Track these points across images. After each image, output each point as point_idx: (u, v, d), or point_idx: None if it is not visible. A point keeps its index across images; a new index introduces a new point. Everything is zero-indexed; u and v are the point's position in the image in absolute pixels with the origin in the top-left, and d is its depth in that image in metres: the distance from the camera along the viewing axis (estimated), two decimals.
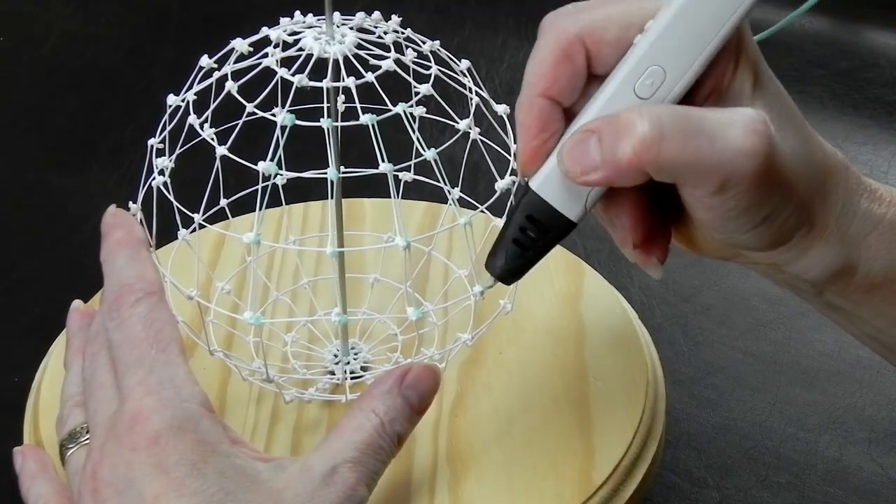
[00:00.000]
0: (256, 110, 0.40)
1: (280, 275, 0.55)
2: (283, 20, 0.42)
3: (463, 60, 0.44)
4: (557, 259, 0.57)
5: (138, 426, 0.37)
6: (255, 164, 0.39)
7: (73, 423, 0.42)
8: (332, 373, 0.49)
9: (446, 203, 0.43)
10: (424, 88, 0.41)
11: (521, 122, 0.39)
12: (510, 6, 0.90)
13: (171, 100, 0.43)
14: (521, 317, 0.53)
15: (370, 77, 0.40)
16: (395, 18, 0.43)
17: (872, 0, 0.91)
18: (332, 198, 0.43)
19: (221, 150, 0.41)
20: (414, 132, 0.40)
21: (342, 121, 0.41)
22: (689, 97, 0.38)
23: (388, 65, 0.40)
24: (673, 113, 0.36)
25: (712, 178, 0.36)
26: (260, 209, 0.39)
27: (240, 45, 0.42)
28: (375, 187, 0.45)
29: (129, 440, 0.37)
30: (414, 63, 0.42)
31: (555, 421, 0.48)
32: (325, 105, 0.42)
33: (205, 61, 0.43)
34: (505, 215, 0.40)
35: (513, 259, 0.40)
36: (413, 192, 0.49)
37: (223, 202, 0.47)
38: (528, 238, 0.39)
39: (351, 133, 0.41)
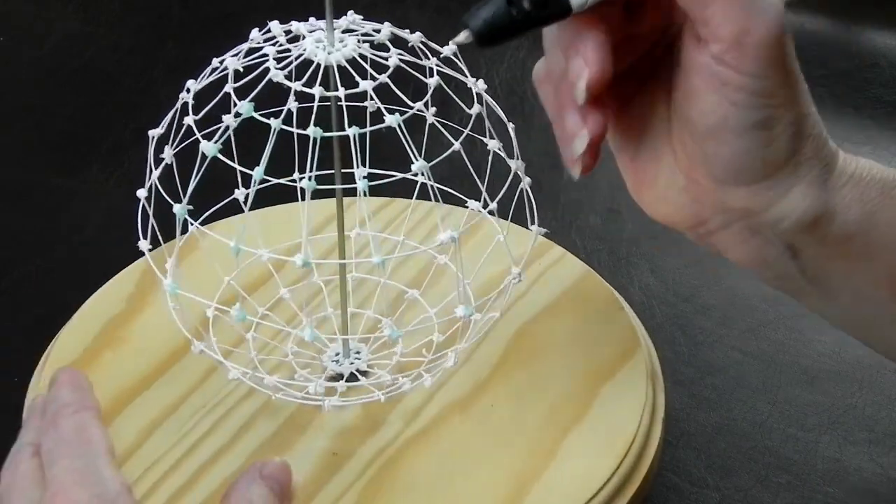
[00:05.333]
0: (252, 113, 0.40)
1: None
2: (311, 20, 0.43)
3: (479, 81, 0.44)
4: (552, 256, 0.57)
5: (58, 498, 0.39)
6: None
7: None
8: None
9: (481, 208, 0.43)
10: (419, 105, 0.41)
11: None
12: None
13: (188, 85, 0.43)
14: (521, 322, 0.53)
15: (366, 85, 0.40)
16: (419, 35, 0.43)
17: (872, 0, 0.91)
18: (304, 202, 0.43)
19: (208, 146, 0.41)
20: (407, 142, 0.40)
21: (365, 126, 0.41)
22: None
23: (383, 79, 0.41)
24: None
25: (738, 19, 0.37)
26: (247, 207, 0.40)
27: (256, 35, 0.42)
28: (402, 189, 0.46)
29: None
30: (418, 73, 0.42)
31: (550, 426, 0.48)
32: (300, 108, 0.42)
33: (229, 61, 0.43)
34: None
35: (498, 18, 0.38)
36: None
37: (249, 191, 0.47)
38: (520, 5, 0.38)
39: (380, 135, 0.41)
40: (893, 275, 0.43)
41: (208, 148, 0.40)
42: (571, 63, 0.41)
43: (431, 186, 0.41)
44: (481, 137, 0.44)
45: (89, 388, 0.45)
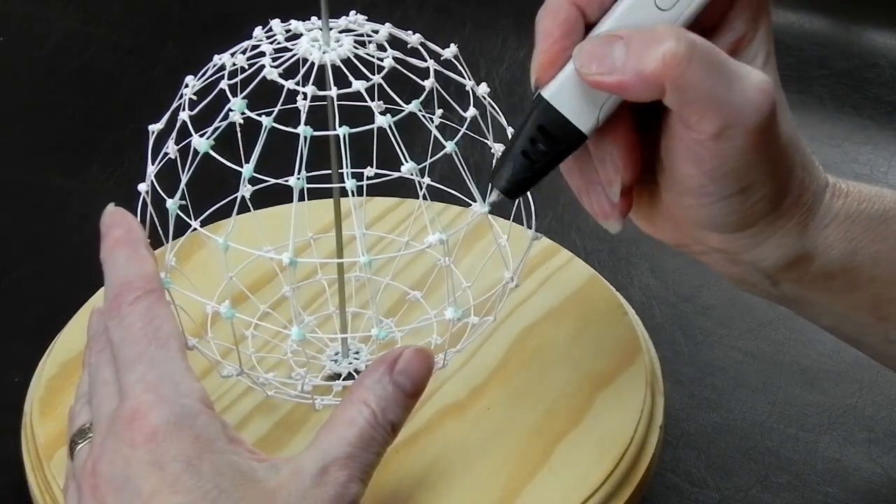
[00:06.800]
0: (244, 109, 0.40)
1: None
2: (313, 20, 0.43)
3: (483, 85, 0.44)
4: (559, 260, 0.57)
5: (136, 423, 0.37)
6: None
7: (83, 419, 0.42)
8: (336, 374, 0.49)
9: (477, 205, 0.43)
10: (413, 105, 0.41)
11: (545, 27, 0.39)
12: (510, 6, 0.90)
13: (187, 80, 0.43)
14: (523, 326, 0.53)
15: (359, 85, 0.40)
16: (418, 36, 0.43)
17: (872, 0, 0.91)
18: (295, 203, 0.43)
19: (200, 143, 0.41)
20: (397, 143, 0.40)
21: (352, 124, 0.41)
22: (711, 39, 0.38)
23: (377, 80, 0.41)
24: (704, 42, 0.36)
25: (718, 117, 0.37)
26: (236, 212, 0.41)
27: (259, 33, 0.42)
28: (402, 188, 0.45)
29: (127, 436, 0.37)
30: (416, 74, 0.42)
31: (544, 431, 0.48)
32: (296, 108, 0.42)
33: (225, 58, 0.43)
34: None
35: (520, 172, 0.39)
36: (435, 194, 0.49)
37: (245, 189, 0.47)
38: (537, 151, 0.39)
39: (383, 135, 0.41)
40: (877, 303, 0.43)
41: (200, 144, 0.40)
42: (602, 169, 0.41)
43: (424, 188, 0.41)
44: (483, 139, 0.44)
45: (145, 242, 0.43)
